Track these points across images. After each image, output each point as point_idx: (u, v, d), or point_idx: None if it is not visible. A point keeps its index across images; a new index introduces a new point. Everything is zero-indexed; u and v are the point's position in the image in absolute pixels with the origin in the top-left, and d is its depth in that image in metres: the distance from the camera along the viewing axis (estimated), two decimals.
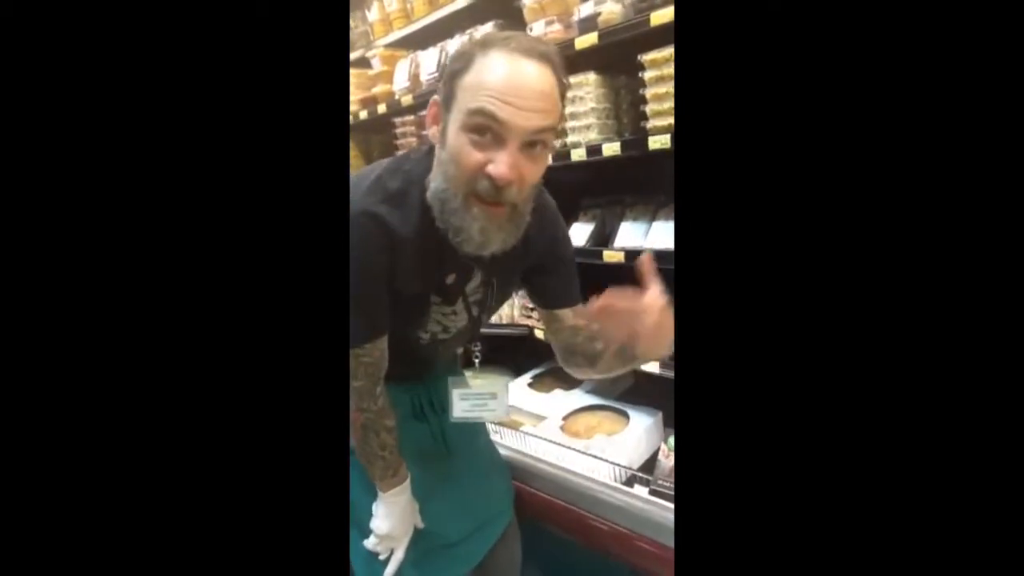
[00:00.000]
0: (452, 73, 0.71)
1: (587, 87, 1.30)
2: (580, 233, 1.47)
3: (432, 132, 0.76)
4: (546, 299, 0.99)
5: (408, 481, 0.95)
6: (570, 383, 1.69)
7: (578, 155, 1.33)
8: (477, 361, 1.06)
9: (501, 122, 0.67)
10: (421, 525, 0.99)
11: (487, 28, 1.59)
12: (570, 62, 1.33)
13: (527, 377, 1.77)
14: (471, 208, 0.73)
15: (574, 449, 1.35)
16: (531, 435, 1.43)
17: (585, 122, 1.32)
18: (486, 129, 0.68)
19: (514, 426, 1.56)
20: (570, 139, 1.36)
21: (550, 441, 1.39)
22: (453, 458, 1.08)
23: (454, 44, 1.64)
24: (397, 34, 1.88)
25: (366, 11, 2.01)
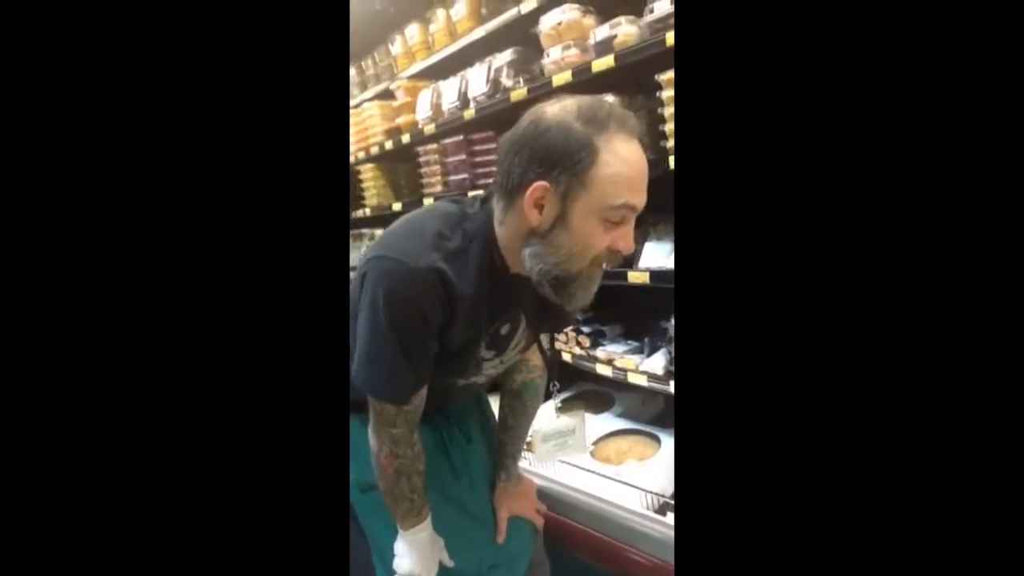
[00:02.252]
0: (576, 162, 0.71)
1: None
2: None
3: (533, 216, 0.74)
4: (543, 326, 1.02)
5: (429, 519, 0.95)
6: (599, 407, 1.66)
7: None
8: (557, 395, 1.09)
9: (636, 209, 0.74)
10: (450, 563, 0.98)
11: (506, 55, 1.61)
12: (587, 85, 1.34)
13: (556, 401, 1.74)
14: (594, 276, 0.78)
15: (604, 475, 1.32)
16: (561, 461, 1.41)
17: None
18: (622, 217, 0.73)
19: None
20: None
21: (578, 467, 1.37)
22: (475, 491, 1.07)
23: (474, 72, 1.66)
24: (419, 65, 1.93)
25: (390, 45, 2.07)
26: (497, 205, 0.80)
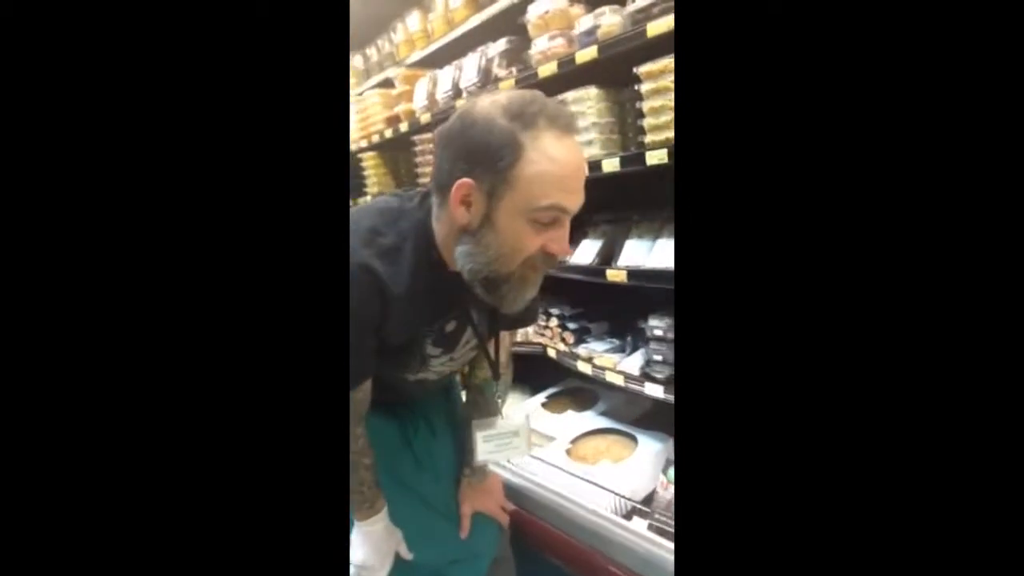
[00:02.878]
0: (498, 160, 0.67)
1: (588, 101, 1.27)
2: (588, 251, 1.43)
3: (459, 213, 0.72)
4: (504, 321, 1.00)
5: (384, 511, 0.95)
6: (583, 404, 1.64)
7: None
8: (500, 401, 1.04)
9: (568, 211, 0.70)
10: (409, 556, 0.98)
11: (500, 45, 1.59)
12: (572, 76, 1.31)
13: (541, 396, 1.73)
14: (528, 278, 0.75)
15: (575, 475, 1.30)
16: (534, 457, 1.40)
17: (586, 137, 1.28)
18: (553, 218, 0.70)
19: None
20: (586, 152, 1.33)
21: (552, 465, 1.35)
22: (439, 485, 1.07)
23: (469, 62, 1.64)
24: (419, 54, 1.91)
25: (391, 33, 2.06)
26: (434, 201, 0.78)
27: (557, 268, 1.54)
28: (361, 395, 0.86)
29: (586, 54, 1.23)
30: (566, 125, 0.70)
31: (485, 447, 0.98)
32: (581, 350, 1.49)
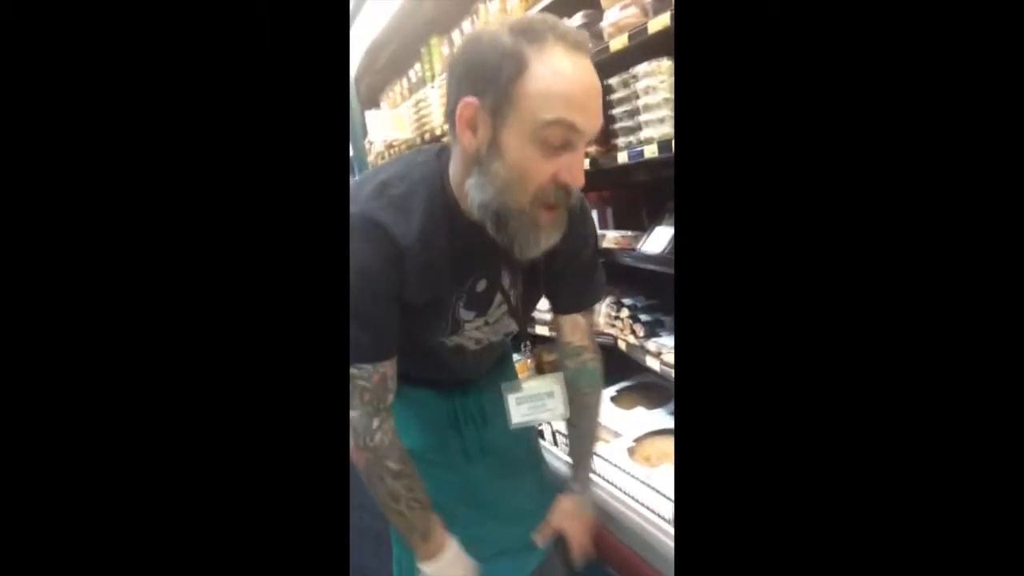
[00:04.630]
0: (500, 74, 0.63)
1: (660, 75, 1.16)
2: (662, 238, 1.33)
3: (466, 139, 0.67)
4: (558, 302, 0.92)
5: (452, 552, 0.83)
6: (655, 402, 1.54)
7: (650, 152, 1.19)
8: (526, 348, 0.98)
9: (579, 131, 0.64)
10: None
11: (576, 20, 1.51)
12: (646, 48, 1.21)
13: (611, 390, 1.65)
14: (539, 217, 0.68)
15: (635, 477, 1.22)
16: (595, 453, 1.33)
17: (658, 115, 1.18)
18: (562, 139, 0.64)
19: None
20: (643, 134, 1.23)
21: (611, 463, 1.28)
22: (490, 477, 0.99)
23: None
24: None
25: (474, 16, 2.04)
26: (451, 142, 0.72)
27: (631, 258, 1.46)
28: (378, 378, 0.75)
29: (659, 23, 1.12)
30: (576, 43, 0.64)
31: (519, 409, 0.91)
32: (651, 344, 1.40)
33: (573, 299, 0.92)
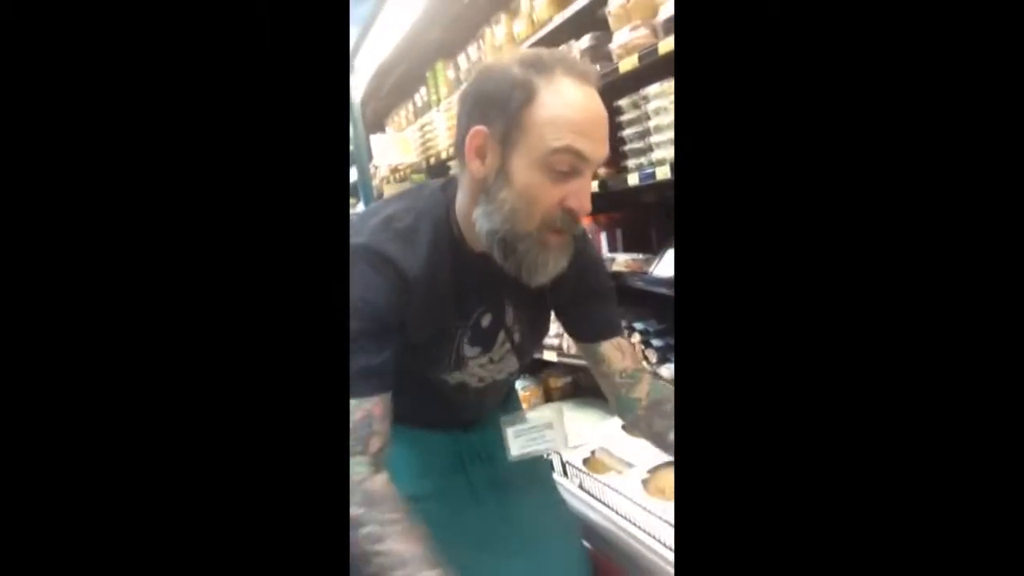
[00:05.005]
0: (509, 103, 0.64)
1: (671, 96, 1.14)
2: (672, 263, 1.30)
3: (475, 167, 0.68)
4: (579, 331, 0.90)
5: None
6: None
7: (663, 173, 1.17)
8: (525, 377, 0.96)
9: (586, 158, 0.65)
10: None
11: (584, 42, 1.50)
12: (652, 69, 1.19)
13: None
14: (548, 241, 0.69)
15: (650, 511, 1.17)
16: (606, 484, 1.28)
17: (670, 136, 1.16)
18: (570, 166, 0.65)
19: (600, 471, 1.41)
20: (655, 155, 1.21)
21: (626, 497, 1.23)
22: (501, 520, 0.92)
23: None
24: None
25: (480, 40, 2.05)
26: (459, 174, 0.73)
27: (643, 282, 1.43)
28: (361, 414, 0.68)
29: (669, 43, 1.11)
30: (583, 73, 0.66)
31: (517, 442, 0.88)
32: (663, 370, 1.35)
33: (605, 324, 0.90)
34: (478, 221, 0.70)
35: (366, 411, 0.69)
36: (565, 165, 0.65)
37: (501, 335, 0.83)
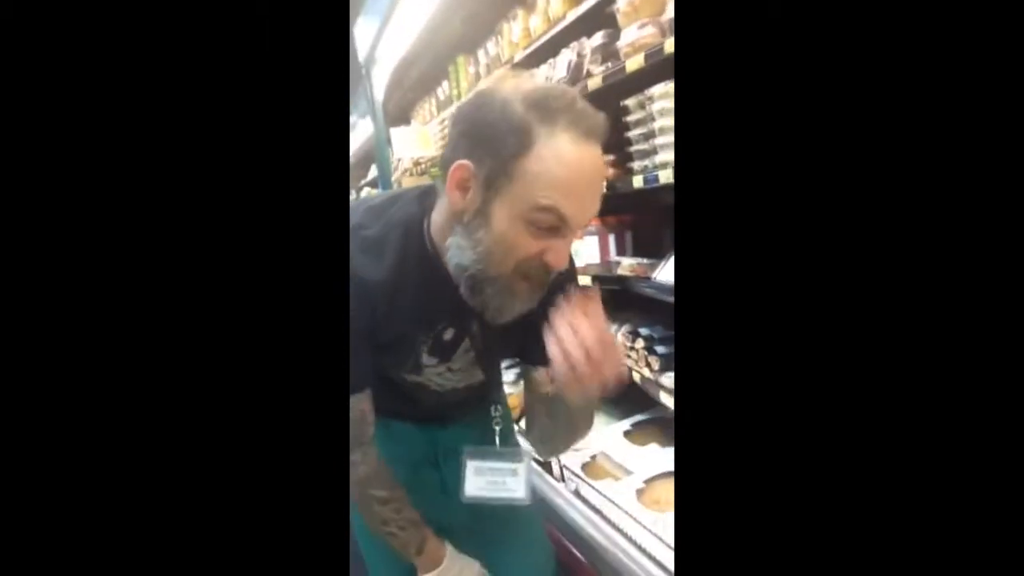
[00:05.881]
0: (502, 147, 0.61)
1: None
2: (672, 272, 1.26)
3: (455, 199, 0.65)
4: (527, 354, 0.86)
5: (449, 560, 0.84)
6: (671, 439, 1.45)
7: (666, 177, 1.13)
8: (498, 428, 0.92)
9: (569, 221, 0.62)
10: None
11: (596, 39, 1.46)
12: (660, 68, 1.15)
13: (626, 423, 1.58)
14: (516, 286, 0.67)
15: (641, 523, 1.14)
16: (599, 491, 1.26)
17: (670, 139, 1.12)
18: (551, 224, 0.62)
19: (599, 476, 1.40)
20: (658, 158, 1.17)
21: (618, 507, 1.21)
22: (470, 514, 0.93)
23: (562, 59, 1.54)
24: (521, 54, 1.85)
25: (498, 36, 2.02)
26: (440, 189, 0.71)
27: (648, 287, 1.39)
28: (357, 413, 0.76)
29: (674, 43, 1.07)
30: (589, 130, 0.61)
31: (475, 481, 0.86)
32: (665, 379, 1.32)
33: (538, 349, 0.86)
34: (450, 251, 0.68)
35: (360, 409, 0.76)
36: (546, 223, 0.62)
37: (464, 344, 0.82)
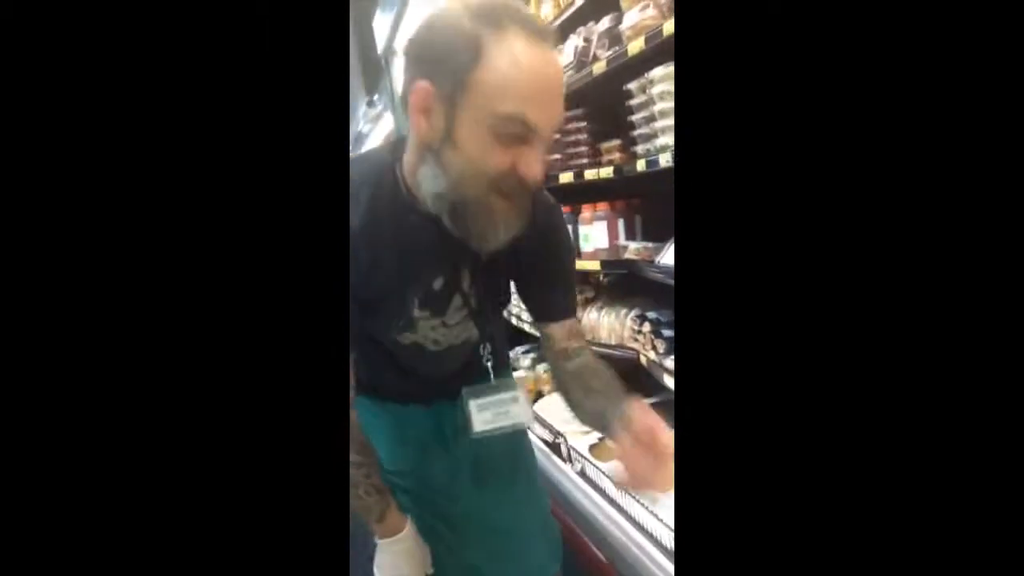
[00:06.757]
0: (455, 61, 0.60)
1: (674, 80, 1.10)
2: None
3: (418, 122, 0.64)
4: (534, 310, 0.87)
5: (407, 532, 0.84)
6: None
7: (665, 160, 1.14)
8: (489, 364, 0.90)
9: (536, 127, 0.62)
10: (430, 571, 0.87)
11: (604, 23, 1.46)
12: (659, 50, 1.15)
13: None
14: (494, 205, 0.66)
15: (639, 501, 1.16)
16: (602, 471, 1.28)
17: (672, 122, 1.12)
18: (517, 133, 0.62)
19: (606, 456, 1.41)
20: (659, 141, 1.17)
21: (611, 479, 1.23)
22: (480, 497, 0.95)
23: (569, 44, 1.55)
24: None
25: None
26: (407, 133, 0.70)
27: (654, 270, 1.40)
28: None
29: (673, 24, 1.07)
30: (540, 32, 0.61)
31: (481, 416, 0.86)
32: (670, 362, 1.33)
33: (560, 304, 0.87)
34: (423, 182, 0.68)
35: None
36: (513, 131, 0.61)
37: (456, 300, 0.81)
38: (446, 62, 0.61)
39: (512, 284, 0.89)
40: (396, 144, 0.76)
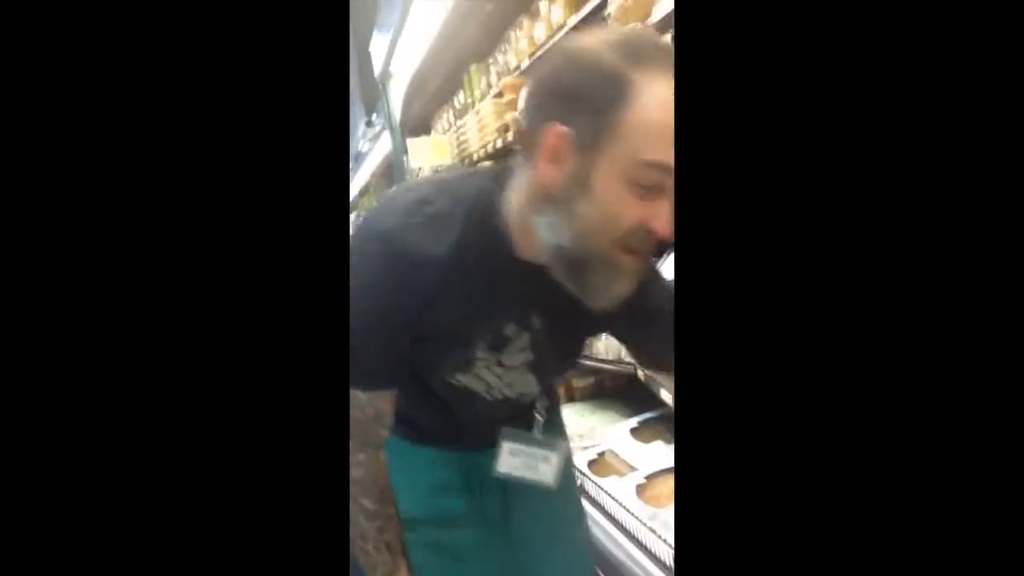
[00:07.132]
0: (599, 101, 0.54)
1: None
2: None
3: (548, 172, 0.58)
4: (642, 358, 0.85)
5: None
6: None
7: None
8: (540, 418, 0.86)
9: (671, 175, 0.55)
10: None
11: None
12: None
13: (633, 421, 1.59)
14: (620, 264, 0.60)
15: (639, 519, 1.16)
16: (601, 487, 1.28)
17: None
18: (656, 182, 0.56)
19: (605, 472, 1.41)
20: None
21: (614, 499, 1.22)
22: (511, 555, 0.88)
23: None
24: (527, 62, 1.90)
25: (506, 44, 2.07)
26: (517, 169, 0.63)
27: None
28: (371, 411, 0.68)
29: (662, 7, 1.09)
30: (672, 65, 0.57)
31: (510, 460, 0.82)
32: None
33: (653, 359, 0.84)
34: (541, 231, 0.61)
35: (376, 408, 0.69)
36: (651, 181, 0.55)
37: (522, 341, 0.73)
38: (588, 103, 0.55)
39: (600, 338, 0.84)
40: (502, 173, 0.67)
